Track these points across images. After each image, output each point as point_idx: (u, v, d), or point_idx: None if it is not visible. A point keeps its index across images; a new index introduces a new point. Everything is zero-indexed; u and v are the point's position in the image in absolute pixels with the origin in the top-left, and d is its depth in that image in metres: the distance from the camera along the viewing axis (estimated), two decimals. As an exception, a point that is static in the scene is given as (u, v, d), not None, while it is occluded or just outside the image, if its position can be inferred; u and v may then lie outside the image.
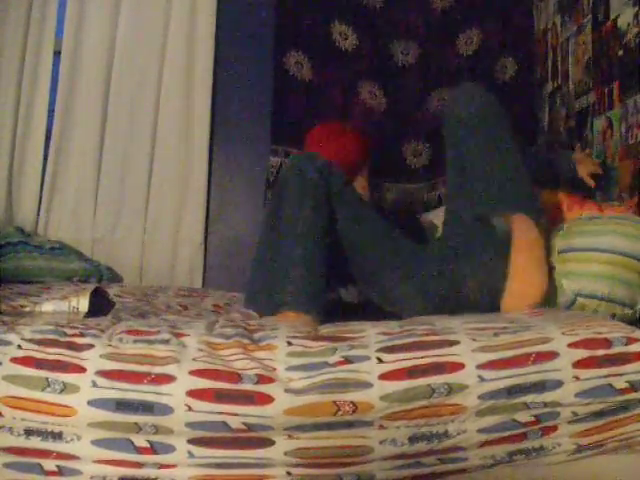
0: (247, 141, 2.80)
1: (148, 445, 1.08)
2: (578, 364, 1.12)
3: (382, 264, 1.66)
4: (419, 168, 2.78)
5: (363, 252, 1.67)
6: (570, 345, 1.14)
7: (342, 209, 1.64)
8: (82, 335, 1.15)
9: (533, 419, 1.12)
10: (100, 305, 1.55)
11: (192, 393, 1.07)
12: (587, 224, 1.58)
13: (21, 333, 1.14)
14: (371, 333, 1.20)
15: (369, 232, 1.68)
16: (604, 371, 1.12)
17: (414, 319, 1.41)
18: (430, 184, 2.74)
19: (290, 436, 1.08)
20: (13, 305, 1.62)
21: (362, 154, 2.12)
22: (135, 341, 1.15)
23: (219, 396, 1.07)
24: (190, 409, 1.07)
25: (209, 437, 1.08)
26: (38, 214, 2.66)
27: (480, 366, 1.11)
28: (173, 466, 1.10)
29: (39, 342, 1.12)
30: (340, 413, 1.07)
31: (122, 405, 1.06)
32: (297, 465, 1.10)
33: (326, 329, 1.29)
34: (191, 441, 1.09)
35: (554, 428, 1.14)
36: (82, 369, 1.09)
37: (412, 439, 1.10)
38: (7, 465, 1.09)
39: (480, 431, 1.11)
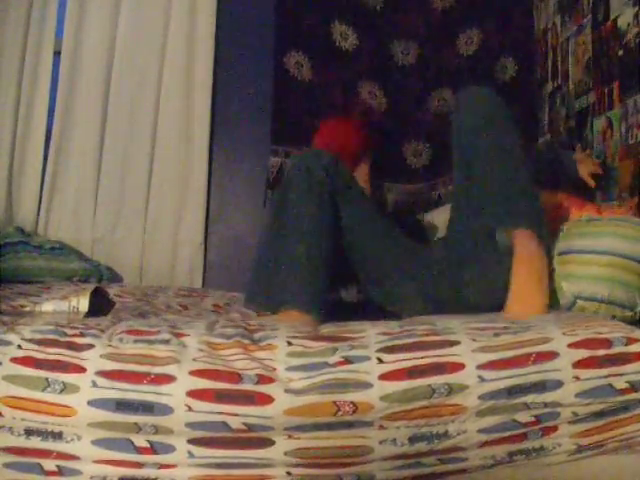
0: (247, 141, 2.80)
1: (148, 445, 1.08)
2: (578, 364, 1.12)
3: (384, 263, 1.66)
4: (419, 168, 2.78)
5: (366, 251, 1.67)
6: (570, 345, 1.14)
7: (347, 207, 1.64)
8: (82, 335, 1.15)
9: (533, 419, 1.12)
10: (100, 305, 1.55)
11: (192, 393, 1.07)
12: (587, 226, 1.58)
13: (21, 333, 1.14)
14: (371, 333, 1.20)
15: (373, 231, 1.68)
16: (604, 371, 1.12)
17: (414, 319, 1.41)
18: (430, 184, 2.75)
19: (290, 436, 1.08)
20: (13, 305, 1.62)
21: (363, 143, 2.15)
22: (135, 341, 1.15)
23: (219, 396, 1.07)
24: (190, 409, 1.06)
25: (209, 437, 1.08)
26: (38, 214, 2.66)
27: (480, 366, 1.11)
28: (173, 466, 1.10)
29: (39, 342, 1.12)
30: (340, 413, 1.07)
31: (122, 405, 1.06)
32: (297, 465, 1.10)
33: (326, 329, 1.29)
34: (191, 441, 1.09)
35: (554, 428, 1.14)
36: (82, 369, 1.08)
37: (412, 439, 1.10)
38: (7, 465, 1.08)
39: (480, 431, 1.11)
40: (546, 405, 1.11)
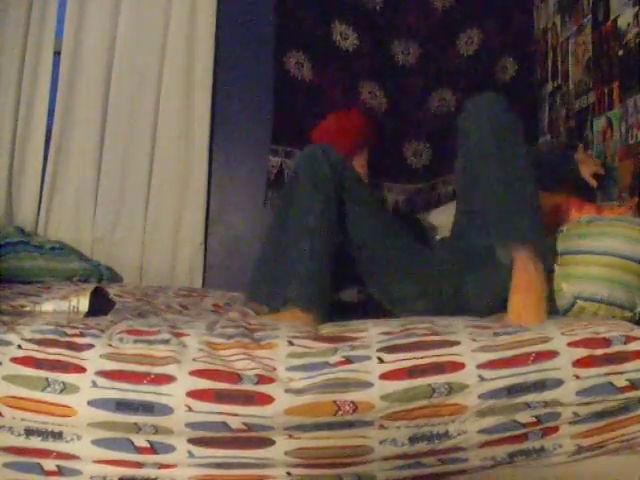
0: (247, 141, 2.80)
1: (148, 445, 1.08)
2: (578, 363, 1.12)
3: (386, 263, 1.66)
4: (419, 168, 2.78)
5: (369, 249, 1.66)
6: (570, 344, 1.14)
7: (352, 205, 1.63)
8: (82, 335, 1.15)
9: (534, 420, 1.12)
10: (100, 305, 1.55)
11: (192, 393, 1.07)
12: (586, 226, 1.58)
13: (21, 333, 1.14)
14: (372, 333, 1.20)
15: (377, 230, 1.67)
16: (604, 369, 1.12)
17: (415, 318, 1.41)
18: (430, 184, 2.74)
19: (290, 436, 1.08)
20: (13, 305, 1.62)
21: (361, 132, 2.17)
22: (135, 341, 1.15)
23: (219, 396, 1.07)
24: (190, 409, 1.06)
25: (209, 437, 1.08)
26: (38, 214, 2.66)
27: (480, 366, 1.11)
28: (173, 466, 1.10)
29: (39, 342, 1.12)
30: (340, 413, 1.07)
31: (122, 405, 1.06)
32: (297, 465, 1.10)
33: (327, 329, 1.29)
34: (191, 441, 1.09)
35: (555, 429, 1.14)
36: (82, 369, 1.09)
37: (412, 439, 1.10)
38: (7, 465, 1.09)
39: (481, 432, 1.11)
40: (546, 404, 1.11)
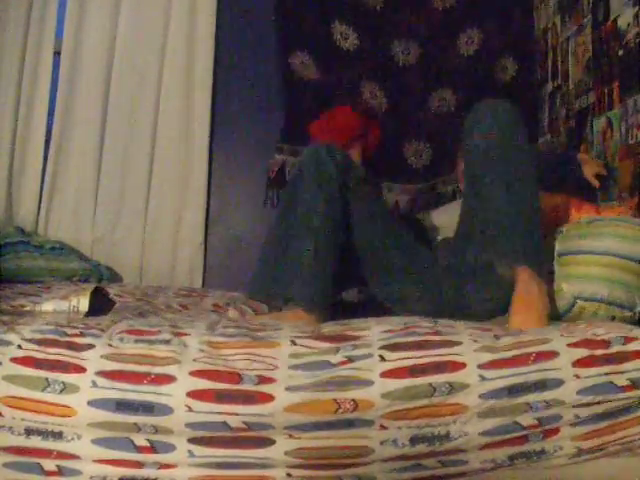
0: (247, 141, 2.80)
1: (148, 444, 1.08)
2: (578, 363, 1.12)
3: (389, 263, 1.65)
4: (420, 168, 2.78)
5: (372, 249, 1.66)
6: (569, 345, 1.15)
7: (356, 205, 1.62)
8: (82, 335, 1.15)
9: (535, 422, 1.12)
10: (100, 305, 1.55)
11: (192, 394, 1.07)
12: (586, 227, 1.58)
13: (21, 333, 1.14)
14: (375, 331, 1.20)
15: (381, 230, 1.67)
16: (604, 369, 1.12)
17: (417, 317, 1.40)
18: (431, 184, 2.74)
19: (291, 435, 1.08)
20: (13, 305, 1.62)
21: (350, 129, 2.19)
22: (136, 341, 1.15)
23: (219, 396, 1.07)
24: (190, 410, 1.06)
25: (209, 436, 1.08)
26: (38, 214, 2.66)
27: (481, 365, 1.11)
28: (173, 466, 1.10)
29: (39, 342, 1.12)
30: (340, 411, 1.07)
31: (122, 405, 1.06)
32: (297, 466, 1.10)
33: (329, 328, 1.29)
34: (191, 440, 1.08)
35: (555, 431, 1.14)
36: (82, 369, 1.08)
37: (413, 440, 1.10)
38: (7, 465, 1.08)
39: (482, 434, 1.11)
40: (547, 404, 1.11)
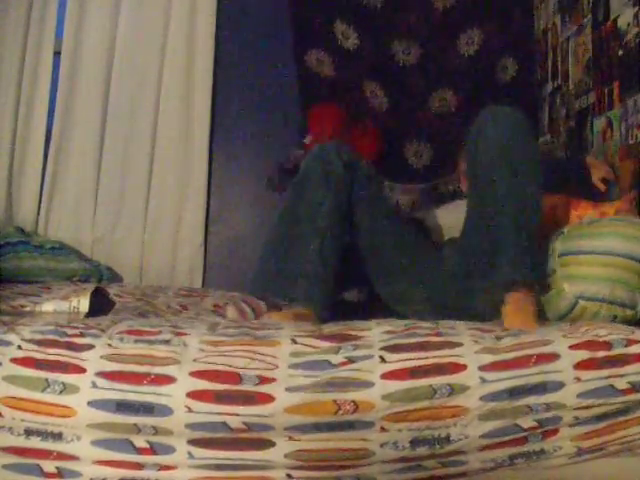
0: (247, 141, 2.80)
1: (148, 446, 1.08)
2: (579, 365, 1.12)
3: (394, 263, 1.64)
4: (420, 168, 2.78)
5: (378, 249, 1.64)
6: (571, 347, 1.14)
7: (362, 204, 1.61)
8: (82, 335, 1.15)
9: (535, 424, 1.12)
10: (100, 305, 1.55)
11: (192, 394, 1.07)
12: (587, 227, 1.58)
13: (21, 333, 1.14)
14: (375, 332, 1.20)
15: (386, 230, 1.65)
16: (605, 372, 1.12)
17: (419, 319, 1.40)
18: (432, 184, 2.74)
19: (291, 437, 1.08)
20: (13, 305, 1.62)
21: (332, 124, 2.25)
22: (136, 341, 1.14)
23: (219, 397, 1.07)
24: (190, 410, 1.06)
25: (209, 438, 1.08)
26: (38, 214, 2.66)
27: (482, 367, 1.11)
28: (173, 468, 1.09)
29: (39, 342, 1.12)
30: (341, 412, 1.06)
31: (122, 406, 1.06)
32: (297, 467, 1.10)
33: (330, 328, 1.29)
34: (191, 442, 1.08)
35: (555, 431, 1.14)
36: (82, 370, 1.08)
37: (414, 443, 1.10)
38: (6, 467, 1.08)
39: (482, 436, 1.10)
40: (548, 406, 1.11)
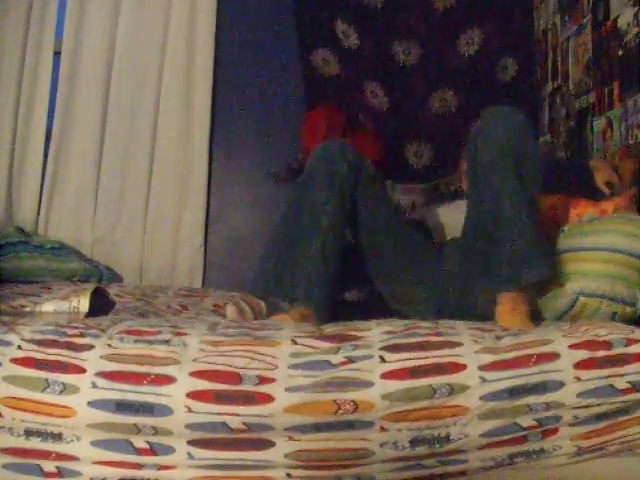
0: (247, 141, 2.80)
1: (147, 446, 1.08)
2: (579, 365, 1.12)
3: (397, 263, 1.64)
4: (420, 168, 2.78)
5: (380, 249, 1.64)
6: (571, 347, 1.14)
7: (365, 204, 1.61)
8: (82, 335, 1.15)
9: (535, 423, 1.12)
10: (100, 305, 1.55)
11: (192, 394, 1.07)
12: (588, 225, 1.59)
13: (21, 333, 1.14)
14: (375, 332, 1.20)
15: (389, 230, 1.65)
16: (605, 372, 1.12)
17: (419, 319, 1.40)
18: (434, 184, 2.74)
19: (291, 437, 1.08)
20: (13, 305, 1.62)
21: (326, 128, 2.27)
22: (135, 341, 1.14)
23: (219, 397, 1.07)
24: (190, 410, 1.06)
25: (209, 438, 1.08)
26: (38, 214, 2.66)
27: (482, 367, 1.11)
28: (173, 467, 1.09)
29: (39, 342, 1.12)
30: (340, 412, 1.06)
31: (122, 406, 1.06)
32: (297, 467, 1.10)
33: (330, 328, 1.29)
34: (191, 442, 1.08)
35: (554, 431, 1.14)
36: (82, 370, 1.08)
37: (413, 442, 1.10)
38: (6, 466, 1.08)
39: (482, 435, 1.10)
40: (547, 406, 1.11)
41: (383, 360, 1.11)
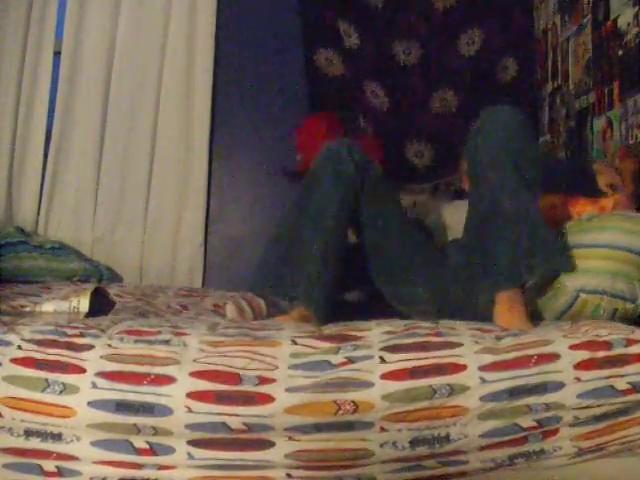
0: (247, 141, 2.80)
1: (147, 446, 1.08)
2: (579, 365, 1.12)
3: (399, 263, 1.64)
4: (421, 168, 2.78)
5: (383, 249, 1.64)
6: (571, 347, 1.14)
7: (370, 205, 1.60)
8: (82, 335, 1.15)
9: (535, 424, 1.12)
10: (100, 305, 1.55)
11: (192, 395, 1.07)
12: (587, 222, 1.59)
13: (21, 333, 1.14)
14: (375, 332, 1.20)
15: (393, 231, 1.64)
16: (605, 372, 1.12)
17: (419, 319, 1.40)
18: (434, 184, 2.74)
19: (291, 438, 1.08)
20: (13, 305, 1.62)
21: (321, 133, 2.29)
22: (136, 341, 1.14)
23: (219, 397, 1.07)
24: (190, 410, 1.06)
25: (209, 438, 1.08)
26: (38, 214, 2.66)
27: (482, 367, 1.11)
28: (172, 467, 1.10)
29: (39, 342, 1.12)
30: (340, 412, 1.06)
31: (122, 406, 1.06)
32: (297, 467, 1.10)
33: (330, 328, 1.29)
34: (191, 442, 1.08)
35: (555, 431, 1.14)
36: (82, 370, 1.08)
37: (413, 442, 1.10)
38: (6, 466, 1.08)
39: (482, 436, 1.11)
40: (547, 406, 1.11)
41: (383, 360, 1.11)
